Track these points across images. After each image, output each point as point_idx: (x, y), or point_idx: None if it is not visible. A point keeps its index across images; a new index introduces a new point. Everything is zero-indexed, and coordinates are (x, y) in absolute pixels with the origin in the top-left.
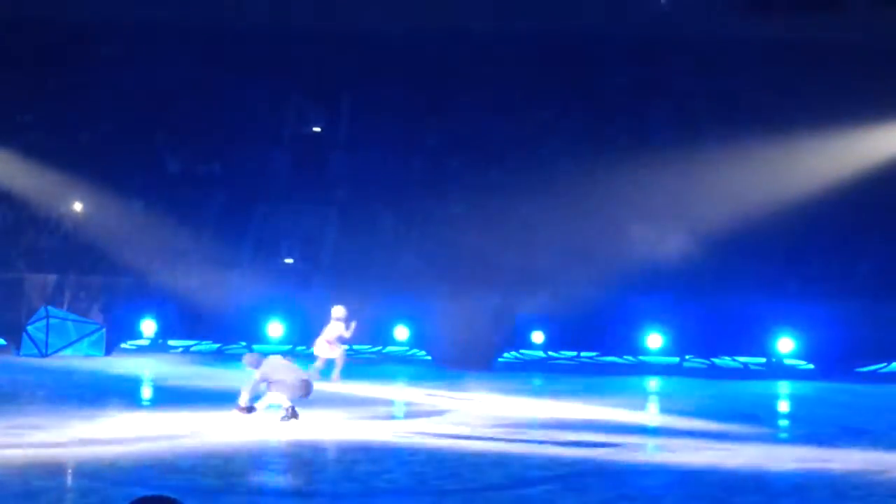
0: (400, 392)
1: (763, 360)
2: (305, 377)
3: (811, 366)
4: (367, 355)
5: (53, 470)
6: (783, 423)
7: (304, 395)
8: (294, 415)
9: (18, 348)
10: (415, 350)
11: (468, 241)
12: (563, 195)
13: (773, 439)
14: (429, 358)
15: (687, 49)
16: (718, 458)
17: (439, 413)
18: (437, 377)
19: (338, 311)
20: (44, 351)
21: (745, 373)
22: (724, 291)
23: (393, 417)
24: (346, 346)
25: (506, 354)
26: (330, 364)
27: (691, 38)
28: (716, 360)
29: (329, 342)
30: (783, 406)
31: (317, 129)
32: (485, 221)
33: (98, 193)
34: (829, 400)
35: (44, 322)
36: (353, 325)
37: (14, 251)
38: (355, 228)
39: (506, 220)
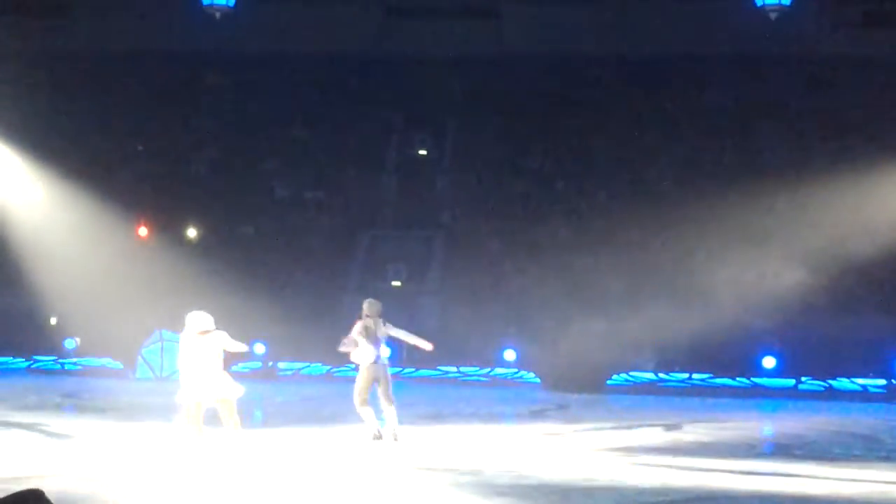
0: (508, 415)
1: (883, 381)
2: None
3: None
4: (475, 378)
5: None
6: None
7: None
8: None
9: (134, 371)
10: (523, 373)
11: (575, 264)
12: (669, 217)
13: None
14: (537, 380)
15: (797, 67)
16: (838, 485)
17: (548, 436)
18: (546, 400)
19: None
20: (158, 373)
21: (864, 395)
22: (841, 311)
23: (501, 440)
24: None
25: (615, 377)
26: None
27: (801, 56)
28: (833, 383)
29: None
30: None
31: (422, 153)
32: (591, 244)
33: (210, 219)
34: None
35: (158, 345)
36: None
37: (134, 276)
38: (461, 252)
39: (612, 242)
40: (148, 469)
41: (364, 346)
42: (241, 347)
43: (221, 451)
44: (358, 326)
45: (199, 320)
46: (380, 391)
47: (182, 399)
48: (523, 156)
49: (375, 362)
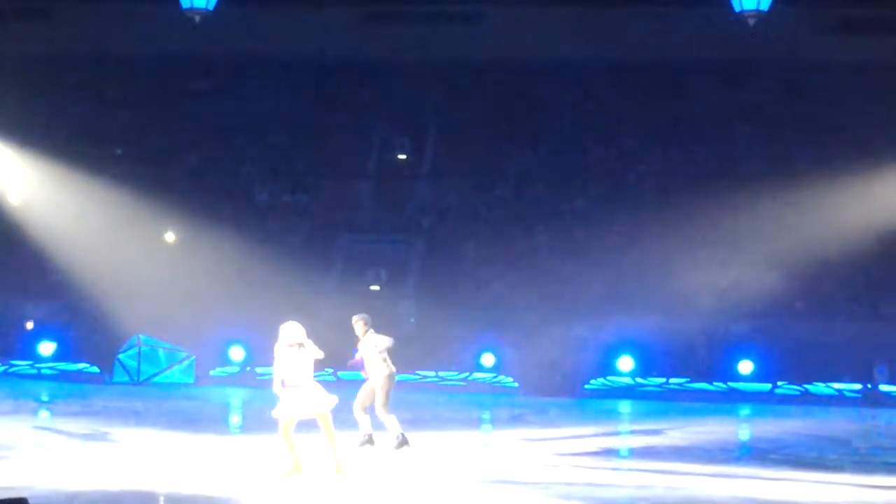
0: (486, 420)
1: (859, 386)
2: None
3: None
4: (453, 382)
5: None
6: (881, 452)
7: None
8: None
9: (111, 375)
10: (501, 377)
11: (553, 269)
12: (648, 222)
13: (871, 469)
14: (515, 385)
15: (776, 73)
16: (812, 489)
17: (526, 440)
18: (524, 404)
19: None
20: (135, 378)
21: (840, 400)
22: (818, 316)
23: (480, 445)
24: None
25: (593, 381)
26: None
27: (780, 62)
28: (809, 387)
29: None
30: (881, 434)
31: (402, 157)
32: (570, 249)
33: (190, 223)
34: None
35: (135, 350)
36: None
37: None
38: (441, 256)
39: (591, 247)
40: (124, 476)
41: (385, 362)
42: (321, 354)
43: (320, 462)
44: (388, 342)
45: (292, 332)
46: (367, 401)
47: (280, 414)
48: (503, 160)
49: None
